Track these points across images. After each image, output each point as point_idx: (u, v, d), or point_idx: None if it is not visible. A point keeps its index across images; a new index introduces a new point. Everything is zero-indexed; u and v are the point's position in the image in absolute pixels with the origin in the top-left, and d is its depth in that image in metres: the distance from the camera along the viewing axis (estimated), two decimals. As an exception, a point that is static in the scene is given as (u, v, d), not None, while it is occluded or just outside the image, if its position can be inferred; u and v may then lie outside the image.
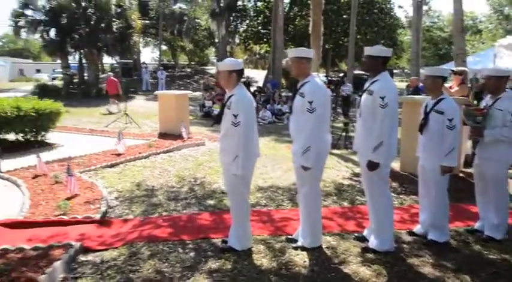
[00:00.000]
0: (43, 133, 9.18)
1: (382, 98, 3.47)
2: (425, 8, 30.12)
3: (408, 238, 4.22)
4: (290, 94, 18.93)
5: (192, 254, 3.78)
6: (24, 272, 3.24)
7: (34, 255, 3.57)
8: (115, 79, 16.88)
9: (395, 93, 3.58)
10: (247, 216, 3.81)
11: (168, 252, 3.79)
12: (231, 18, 33.87)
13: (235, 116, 3.51)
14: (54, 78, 32.77)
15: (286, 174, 6.89)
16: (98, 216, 4.59)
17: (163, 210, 4.97)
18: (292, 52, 3.68)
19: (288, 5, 30.94)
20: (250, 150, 3.59)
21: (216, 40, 32.56)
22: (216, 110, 15.00)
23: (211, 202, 5.30)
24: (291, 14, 30.90)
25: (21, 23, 23.26)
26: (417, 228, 4.30)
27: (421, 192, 4.21)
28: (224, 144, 3.67)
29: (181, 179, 6.45)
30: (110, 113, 15.78)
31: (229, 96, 3.66)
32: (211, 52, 46.16)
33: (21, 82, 37.92)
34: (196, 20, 34.92)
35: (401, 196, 5.64)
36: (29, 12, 23.62)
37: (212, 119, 14.33)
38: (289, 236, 4.09)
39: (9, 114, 8.23)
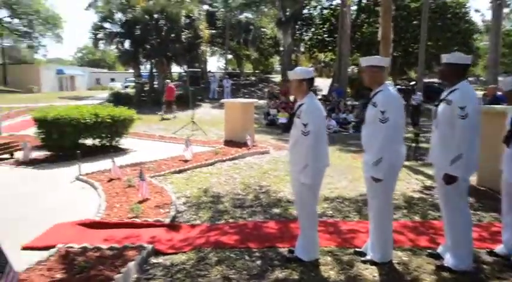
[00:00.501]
0: (117, 139, 9.76)
1: (462, 108, 3.27)
2: (505, 10, 28.23)
3: (488, 258, 3.94)
4: (356, 103, 18.53)
5: (258, 262, 3.80)
6: (102, 270, 3.44)
7: (110, 255, 3.78)
8: (173, 86, 17.91)
9: (477, 103, 3.37)
10: (314, 226, 3.76)
11: (235, 259, 3.83)
12: (297, 26, 33.97)
13: (305, 125, 3.50)
14: (126, 87, 34.73)
15: (352, 184, 6.74)
16: (167, 221, 4.77)
17: (229, 217, 5.05)
18: (366, 61, 3.60)
19: (355, 12, 30.44)
20: (319, 160, 3.55)
21: (281, 48, 32.74)
22: (281, 118, 15.06)
23: (276, 211, 5.30)
24: (358, 21, 30.37)
25: (100, 35, 25.04)
26: (499, 248, 3.99)
27: (505, 209, 3.92)
28: (293, 153, 3.66)
29: (247, 186, 6.53)
30: (164, 119, 16.63)
31: (299, 105, 3.65)
32: (275, 60, 46.51)
33: (98, 90, 40.66)
34: (262, 29, 35.42)
35: (478, 212, 5.29)
36: (107, 25, 25.38)
37: (277, 127, 14.42)
38: (358, 249, 3.98)
39: (88, 120, 8.85)
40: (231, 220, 4.93)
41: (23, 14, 38.74)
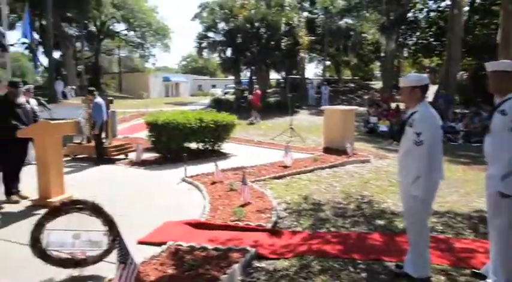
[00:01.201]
0: (219, 143, 10.19)
1: None
2: None
3: None
4: (466, 111, 17.12)
5: (363, 274, 3.67)
6: (209, 269, 3.60)
7: (215, 255, 3.93)
8: (259, 92, 18.41)
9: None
10: (426, 242, 3.53)
11: (339, 270, 3.75)
12: (400, 31, 32.51)
13: (418, 135, 3.31)
14: (226, 93, 36.25)
15: (464, 199, 6.24)
16: (269, 226, 4.84)
17: (331, 225, 4.97)
18: (493, 65, 3.29)
19: (467, 13, 28.25)
20: (433, 172, 3.33)
21: (382, 54, 31.59)
22: (382, 126, 14.51)
23: (381, 222, 5.09)
24: (470, 22, 28.13)
25: (204, 44, 26.52)
26: None
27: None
28: (404, 164, 3.48)
29: (348, 195, 6.38)
30: (252, 124, 17.02)
31: (412, 113, 3.47)
32: (376, 66, 45.02)
33: (200, 96, 43.00)
34: (363, 35, 34.54)
35: None
36: (210, 34, 26.81)
37: (378, 136, 13.91)
38: (476, 270, 3.65)
39: (193, 125, 9.37)
40: (332, 229, 4.84)
41: (137, 27, 42.62)
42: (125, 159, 9.66)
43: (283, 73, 27.51)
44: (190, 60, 73.88)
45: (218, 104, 22.44)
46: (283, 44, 23.56)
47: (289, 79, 15.69)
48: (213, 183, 6.97)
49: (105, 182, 7.36)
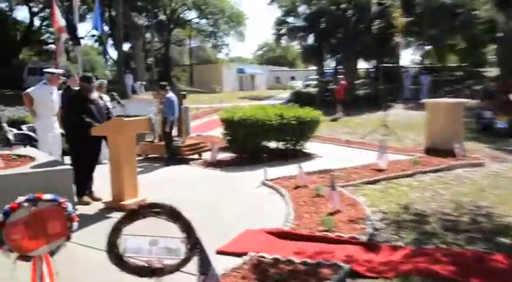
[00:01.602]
0: (302, 142, 10.14)
1: None
2: None
3: None
4: None
5: (484, 304, 3.41)
6: (296, 286, 3.56)
7: (303, 270, 3.89)
8: (345, 83, 17.93)
9: None
10: None
11: (453, 296, 3.52)
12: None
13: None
14: (307, 86, 36.09)
15: None
16: (364, 238, 4.70)
17: (440, 241, 4.70)
18: None
19: None
20: None
21: (500, 34, 29.41)
22: (500, 122, 13.53)
23: (505, 241, 4.71)
24: None
25: (283, 30, 26.61)
26: None
27: None
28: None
29: (459, 205, 6.01)
30: (335, 120, 16.65)
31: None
32: (490, 50, 42.10)
33: (278, 90, 43.31)
34: (473, 12, 32.43)
35: None
36: (290, 19, 26.84)
37: (495, 134, 12.98)
38: None
39: (273, 122, 9.42)
40: (442, 246, 4.57)
41: (209, 14, 43.96)
42: (198, 159, 9.98)
43: (374, 61, 26.75)
44: (266, 49, 74.64)
45: (299, 98, 22.38)
46: (374, 27, 22.86)
47: (381, 68, 15.16)
48: (297, 187, 6.96)
49: (178, 184, 7.65)
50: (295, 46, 31.17)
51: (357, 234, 4.82)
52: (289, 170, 8.11)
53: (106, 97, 9.15)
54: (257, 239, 4.77)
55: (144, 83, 33.80)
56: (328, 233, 4.86)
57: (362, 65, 32.53)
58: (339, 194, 5.99)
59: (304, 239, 4.76)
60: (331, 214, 5.48)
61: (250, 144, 9.53)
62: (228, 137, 10.05)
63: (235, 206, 6.23)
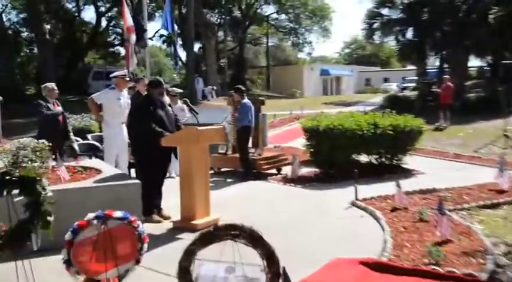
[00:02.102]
0: (400, 156, 9.85)
1: None
2: None
3: None
4: None
5: None
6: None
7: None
8: (451, 85, 17.11)
9: None
10: None
11: None
12: None
13: None
14: (404, 88, 35.19)
15: None
16: (483, 276, 4.44)
17: None
18: None
19: None
20: None
21: None
22: None
23: None
24: None
25: (376, 24, 26.16)
26: None
27: None
28: None
29: None
30: (439, 129, 15.92)
31: None
32: None
33: (368, 94, 42.63)
34: None
35: None
36: (384, 11, 26.33)
37: None
38: None
39: (365, 132, 9.24)
40: None
41: (290, 8, 44.29)
42: (277, 174, 10.02)
43: (490, 58, 25.42)
44: (355, 47, 73.74)
45: (394, 104, 21.86)
46: (490, 16, 21.71)
47: (500, 65, 14.32)
48: (394, 209, 6.77)
49: (256, 203, 7.73)
50: (390, 42, 30.49)
51: (473, 270, 4.57)
52: (384, 188, 7.92)
53: (181, 105, 9.47)
54: (348, 271, 4.66)
55: (215, 87, 34.67)
56: (436, 268, 4.64)
57: (474, 62, 31.18)
58: (449, 220, 5.72)
59: (405, 273, 4.57)
60: (439, 244, 5.23)
61: (338, 157, 9.41)
62: (311, 149, 10.01)
63: (321, 230, 6.16)
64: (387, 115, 10.29)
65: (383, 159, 9.86)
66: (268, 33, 49.58)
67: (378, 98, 31.13)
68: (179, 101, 10.19)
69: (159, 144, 6.21)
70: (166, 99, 7.31)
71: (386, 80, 52.38)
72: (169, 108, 6.99)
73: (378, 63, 65.96)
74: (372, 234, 5.87)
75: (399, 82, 42.54)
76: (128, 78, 8.70)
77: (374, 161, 9.94)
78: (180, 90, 9.22)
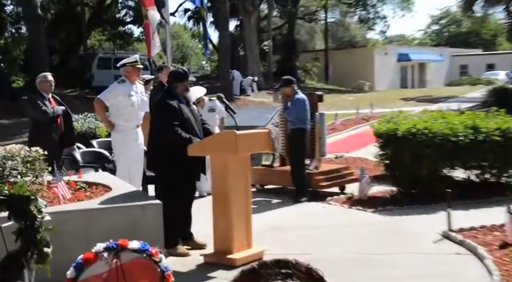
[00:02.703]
0: (510, 172, 9.61)
1: None
2: None
3: None
4: None
5: None
6: None
7: None
8: None
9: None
10: None
11: None
12: None
13: None
14: (515, 78, 34.43)
15: None
16: None
17: None
18: None
19: None
20: None
21: None
22: None
23: None
24: None
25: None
26: None
27: None
28: None
29: None
30: None
31: None
32: None
33: (463, 86, 41.76)
34: None
35: None
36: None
37: None
38: None
39: (461, 138, 9.06)
40: None
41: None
42: (340, 194, 9.97)
43: None
44: (446, 22, 72.45)
45: (501, 100, 21.35)
46: None
47: None
48: (505, 245, 6.60)
49: (312, 232, 7.72)
50: (497, 15, 29.96)
51: None
52: (489, 215, 7.79)
53: (218, 104, 9.44)
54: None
55: (256, 78, 34.71)
56: None
57: None
58: None
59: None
60: None
61: (423, 172, 9.27)
62: (386, 161, 9.90)
63: (401, 270, 6.09)
64: (492, 115, 10.11)
65: (487, 176, 9.66)
66: (327, 6, 49.34)
67: (479, 92, 30.63)
68: (206, 98, 10.10)
69: (185, 153, 6.26)
70: (193, 95, 7.32)
71: (490, 67, 51.47)
72: (194, 107, 7.05)
73: (478, 45, 64.40)
74: (473, 278, 5.78)
75: (509, 70, 41.74)
76: (140, 66, 8.65)
77: (474, 178, 9.76)
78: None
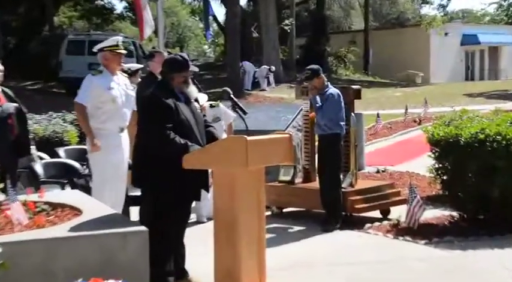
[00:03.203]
0: None
1: None
2: None
3: None
4: None
5: None
6: None
7: None
8: None
9: None
10: None
11: None
12: None
13: None
14: None
15: None
16: None
17: None
18: None
19: None
20: None
21: None
22: None
23: None
24: None
25: None
26: None
27: None
28: None
29: None
30: None
31: None
32: None
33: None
34: None
35: None
36: None
37: None
38: None
39: None
40: None
41: None
42: (382, 219, 9.93)
43: None
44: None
45: None
46: None
47: None
48: None
49: (345, 270, 7.69)
50: None
51: None
52: None
53: (222, 108, 9.41)
54: None
55: (273, 68, 34.66)
56: None
57: None
58: None
59: None
60: None
61: (494, 191, 9.24)
62: (445, 177, 9.87)
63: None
64: None
65: None
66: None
67: None
68: (206, 105, 10.02)
69: (181, 165, 6.21)
70: (194, 90, 7.22)
71: None
72: (196, 105, 6.98)
73: None
74: None
75: None
76: (122, 51, 8.47)
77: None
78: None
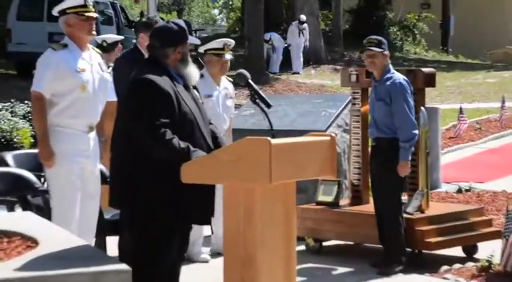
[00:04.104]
0: None
1: None
2: None
3: None
4: None
5: None
6: None
7: None
8: None
9: None
10: None
11: None
12: None
13: None
14: None
15: None
16: None
17: None
18: None
19: None
20: None
21: None
22: None
23: None
24: None
25: None
26: None
27: None
28: None
29: None
30: None
31: None
32: None
33: None
34: None
35: None
36: None
37: None
38: None
39: None
40: None
41: None
42: (466, 260, 9.96)
43: None
44: None
45: None
46: None
47: None
48: None
49: None
50: None
51: None
52: None
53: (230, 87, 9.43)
54: None
55: (307, 43, 34.65)
56: None
57: None
58: None
59: None
60: None
61: None
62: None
63: None
64: None
65: None
66: None
67: None
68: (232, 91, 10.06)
69: (179, 178, 6.21)
70: (194, 72, 7.13)
71: None
72: (196, 93, 6.91)
73: None
74: None
75: None
76: (93, 14, 8.20)
77: None
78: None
